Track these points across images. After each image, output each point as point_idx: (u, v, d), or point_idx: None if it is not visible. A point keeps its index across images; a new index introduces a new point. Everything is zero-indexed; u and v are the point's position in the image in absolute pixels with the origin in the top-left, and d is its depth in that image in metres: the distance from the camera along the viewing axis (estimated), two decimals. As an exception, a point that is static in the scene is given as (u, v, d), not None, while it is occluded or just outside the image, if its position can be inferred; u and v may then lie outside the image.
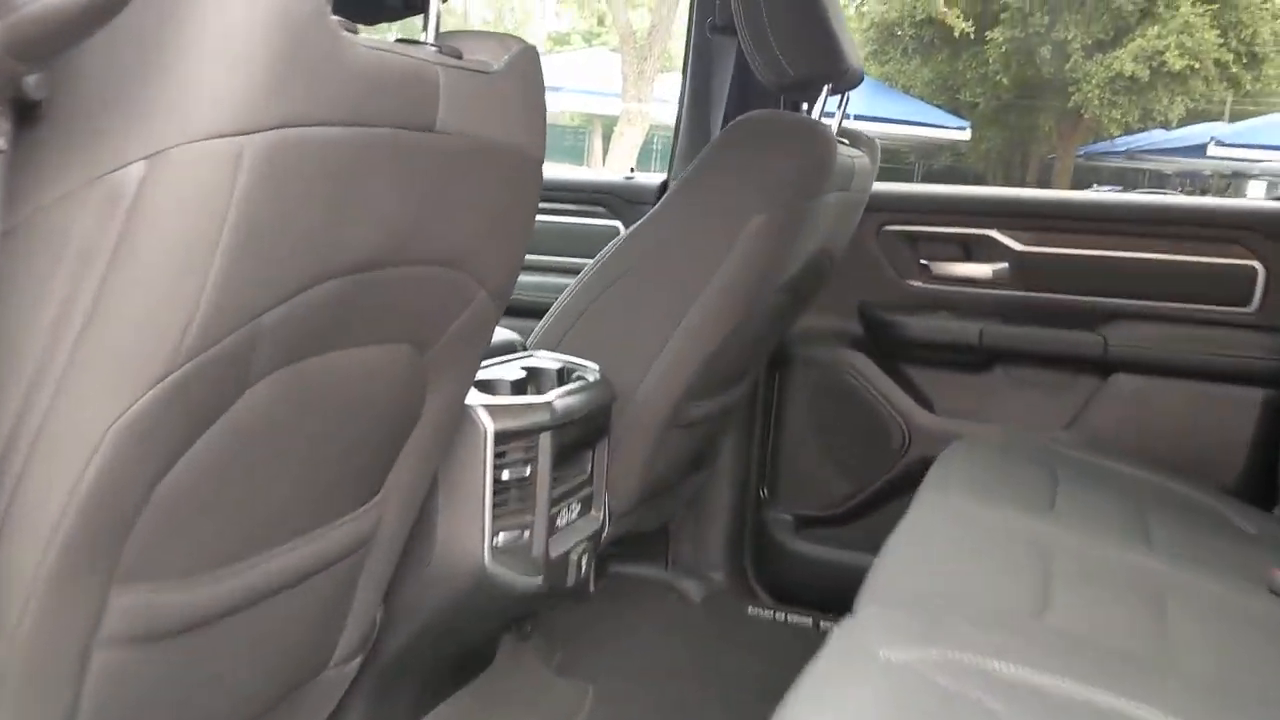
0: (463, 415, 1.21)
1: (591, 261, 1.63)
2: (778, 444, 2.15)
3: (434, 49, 0.89)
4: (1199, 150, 16.02)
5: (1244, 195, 23.12)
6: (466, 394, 1.13)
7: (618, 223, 2.20)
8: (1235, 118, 17.96)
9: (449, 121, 0.86)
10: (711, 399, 1.73)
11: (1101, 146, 19.87)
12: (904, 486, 2.06)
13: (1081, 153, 19.92)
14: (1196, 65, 16.49)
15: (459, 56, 0.91)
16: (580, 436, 1.41)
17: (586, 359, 1.53)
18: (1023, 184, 18.83)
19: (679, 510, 2.06)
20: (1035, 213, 2.00)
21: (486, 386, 1.31)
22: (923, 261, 2.06)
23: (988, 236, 2.01)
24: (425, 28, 0.93)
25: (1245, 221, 1.86)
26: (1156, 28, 16.64)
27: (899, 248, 2.07)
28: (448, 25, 0.96)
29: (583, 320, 1.59)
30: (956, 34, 15.46)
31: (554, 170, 2.53)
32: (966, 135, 16.65)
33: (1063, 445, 1.87)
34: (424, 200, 0.88)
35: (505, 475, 1.25)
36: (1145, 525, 1.48)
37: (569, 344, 1.58)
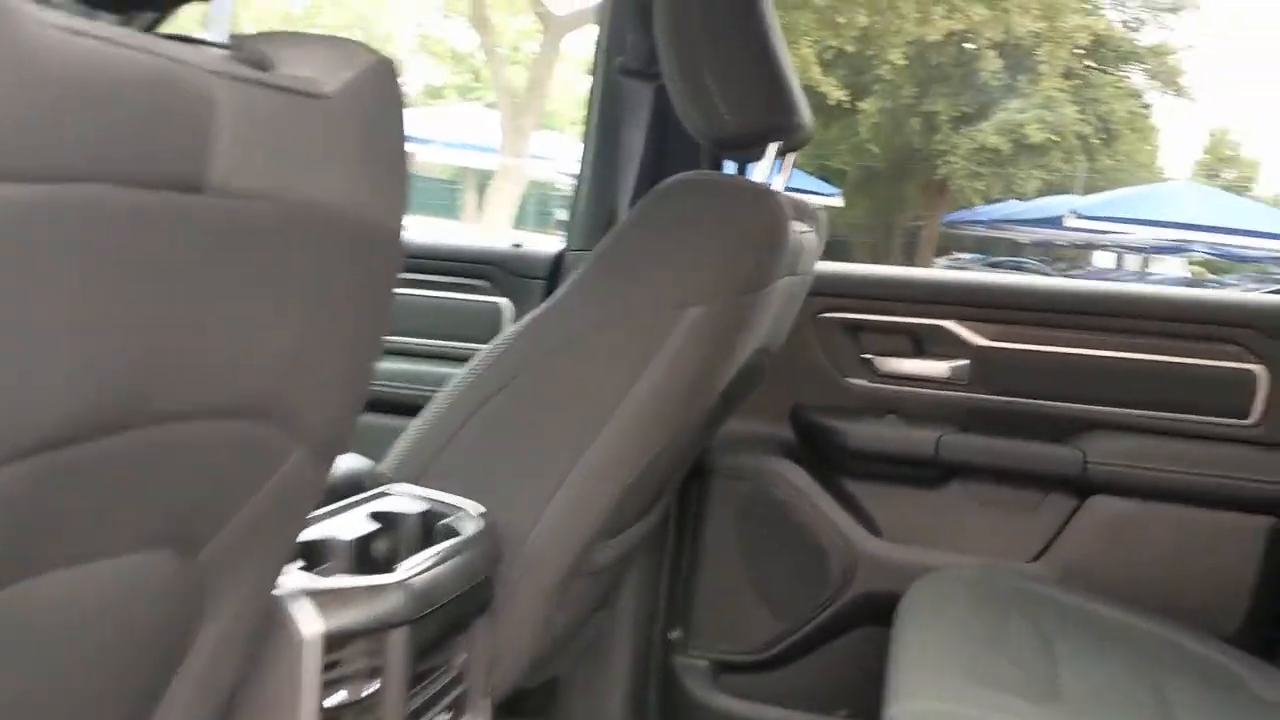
0: (272, 612, 0.80)
1: (473, 360, 1.23)
2: (693, 573, 1.78)
3: (222, 52, 0.51)
4: (1056, 221, 16.60)
5: (1090, 265, 24.15)
6: (271, 589, 0.73)
7: (503, 300, 1.82)
8: (1086, 192, 18.76)
9: (234, 174, 0.49)
10: (625, 534, 1.35)
11: (965, 215, 20.51)
12: (845, 625, 1.71)
13: (946, 220, 20.50)
14: (1057, 138, 17.12)
15: (264, 67, 0.53)
16: (452, 621, 1.01)
17: (461, 494, 1.13)
18: (888, 249, 19.21)
19: (572, 660, 1.66)
20: (999, 302, 1.69)
21: (314, 553, 0.91)
22: (866, 356, 1.73)
23: (944, 328, 1.69)
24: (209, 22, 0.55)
25: (1243, 317, 1.58)
26: (1019, 102, 17.23)
27: (839, 339, 1.74)
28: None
29: (457, 441, 1.19)
30: (831, 103, 15.67)
31: (425, 233, 2.16)
32: (840, 202, 16.84)
33: (1037, 581, 1.55)
34: (188, 311, 0.50)
35: (337, 698, 0.84)
36: (1166, 705, 1.19)
37: (439, 473, 1.17)
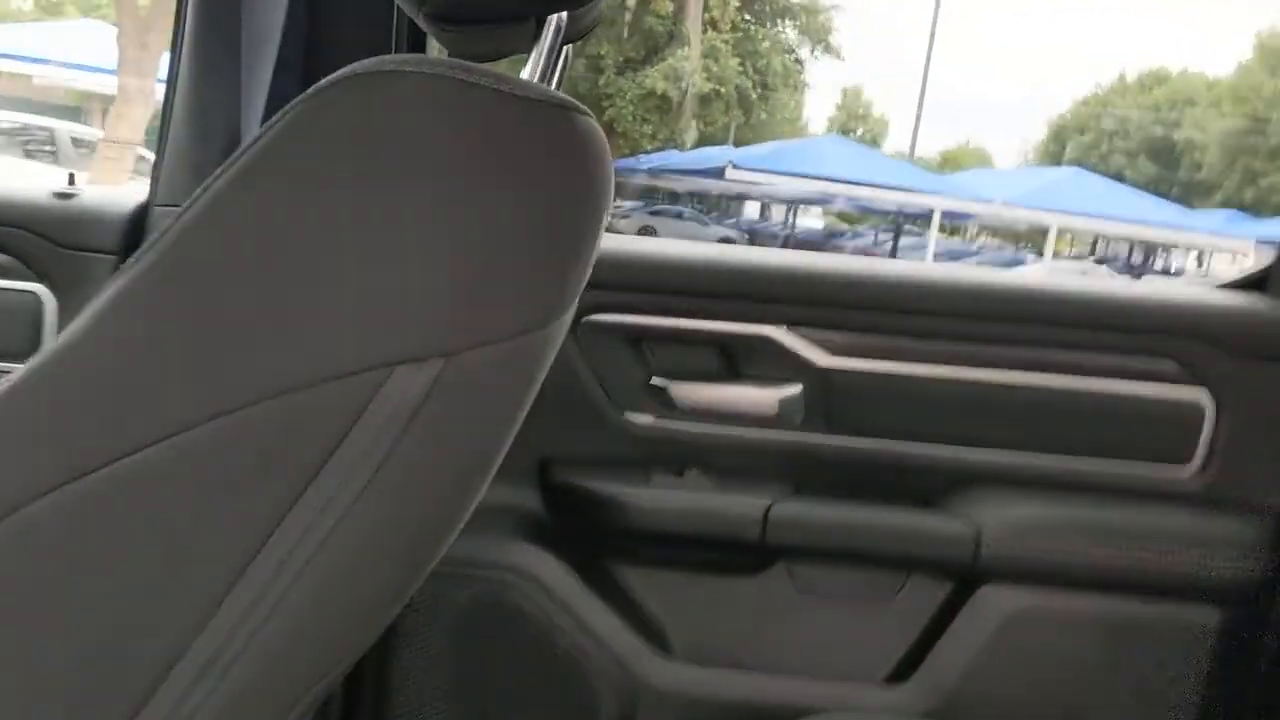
0: None
1: None
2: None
3: None
4: (719, 172, 16.96)
5: (742, 215, 25.07)
6: None
7: (40, 288, 1.06)
8: (736, 144, 19.38)
9: None
10: None
11: (628, 163, 20.62)
12: None
13: (615, 168, 20.55)
14: (721, 89, 17.42)
15: None
16: None
17: None
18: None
19: None
20: (847, 299, 1.13)
21: None
22: (655, 383, 1.13)
23: (767, 339, 1.12)
24: None
25: (1182, 323, 1.11)
26: (684, 49, 17.34)
27: (614, 355, 1.13)
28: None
29: None
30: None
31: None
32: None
33: None
34: None
35: None
36: None
37: None
